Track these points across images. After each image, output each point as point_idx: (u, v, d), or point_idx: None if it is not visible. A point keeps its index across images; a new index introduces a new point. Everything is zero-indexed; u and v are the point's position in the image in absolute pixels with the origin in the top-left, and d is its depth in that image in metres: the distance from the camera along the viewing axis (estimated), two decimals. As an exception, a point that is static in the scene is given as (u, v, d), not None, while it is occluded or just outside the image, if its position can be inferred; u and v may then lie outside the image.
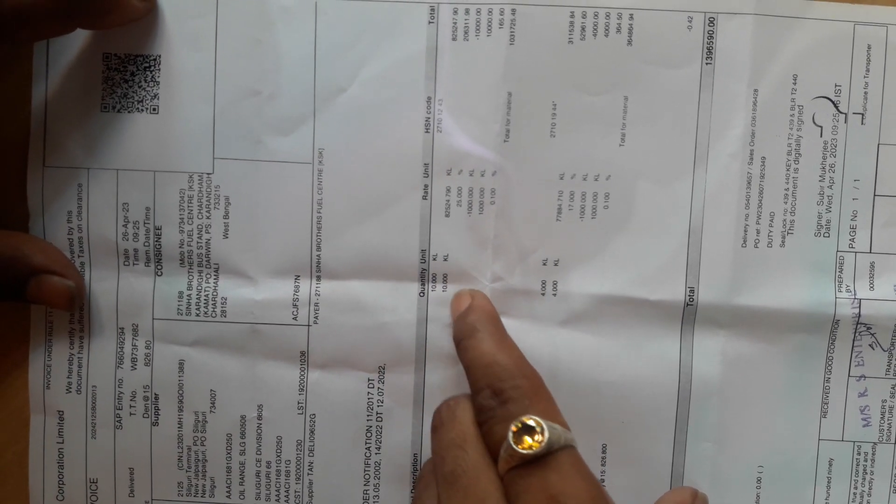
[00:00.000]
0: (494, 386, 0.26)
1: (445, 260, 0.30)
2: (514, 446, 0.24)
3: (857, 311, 0.29)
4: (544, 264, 0.30)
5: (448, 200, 0.30)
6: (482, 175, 0.30)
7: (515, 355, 0.27)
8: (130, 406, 0.31)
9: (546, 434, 0.24)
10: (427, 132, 0.30)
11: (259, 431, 0.31)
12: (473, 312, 0.28)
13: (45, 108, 0.30)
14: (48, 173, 0.30)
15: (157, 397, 0.31)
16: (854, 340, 0.30)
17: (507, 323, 0.30)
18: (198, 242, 0.30)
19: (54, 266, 0.29)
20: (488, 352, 0.27)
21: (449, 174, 0.30)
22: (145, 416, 0.31)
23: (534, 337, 0.30)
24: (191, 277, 0.31)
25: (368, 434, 0.31)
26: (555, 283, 0.30)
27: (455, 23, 0.29)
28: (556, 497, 0.23)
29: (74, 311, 0.30)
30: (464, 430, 0.25)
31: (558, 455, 0.24)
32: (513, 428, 0.24)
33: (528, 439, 0.24)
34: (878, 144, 0.29)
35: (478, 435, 0.25)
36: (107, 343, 0.31)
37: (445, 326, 0.30)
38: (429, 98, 0.30)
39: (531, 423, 0.24)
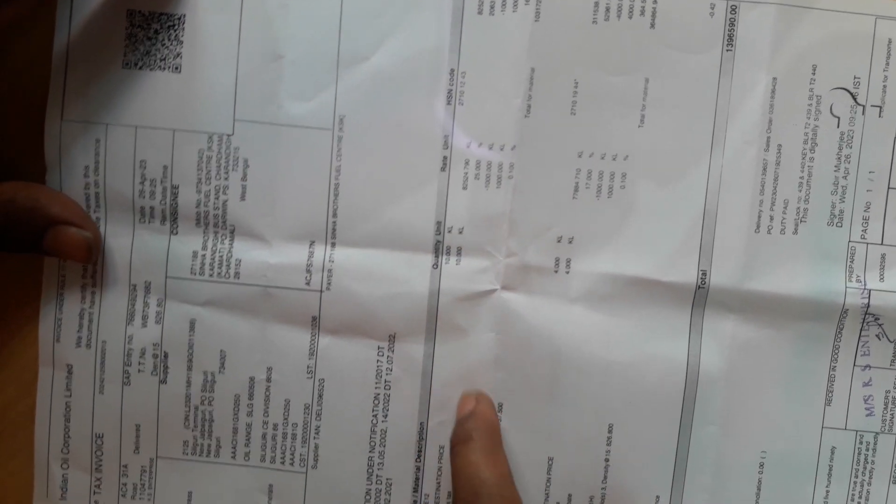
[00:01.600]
0: (470, 502, 0.27)
1: (461, 233, 0.30)
2: None
3: (866, 301, 0.30)
4: (559, 242, 0.30)
5: (466, 173, 0.30)
6: (501, 149, 0.30)
7: (500, 472, 0.28)
8: (139, 363, 0.31)
9: None
10: (449, 104, 0.30)
11: (267, 394, 0.31)
12: (474, 420, 0.29)
13: (66, 62, 0.30)
14: (66, 127, 0.30)
15: (166, 355, 0.31)
16: (861, 330, 0.30)
17: (519, 299, 0.30)
18: (214, 203, 0.30)
19: (72, 217, 0.29)
20: (475, 463, 0.28)
21: (468, 147, 0.30)
22: (154, 373, 0.31)
23: (544, 314, 0.30)
24: (206, 238, 0.31)
25: (376, 402, 0.31)
26: (568, 261, 0.30)
27: (481, -4, 0.30)
28: None
29: (90, 264, 0.30)
30: None
31: None
32: None
33: None
34: (895, 138, 0.30)
35: None
36: (119, 299, 0.31)
37: (457, 299, 0.30)
38: (452, 70, 0.30)
39: None
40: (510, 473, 0.28)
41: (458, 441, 0.29)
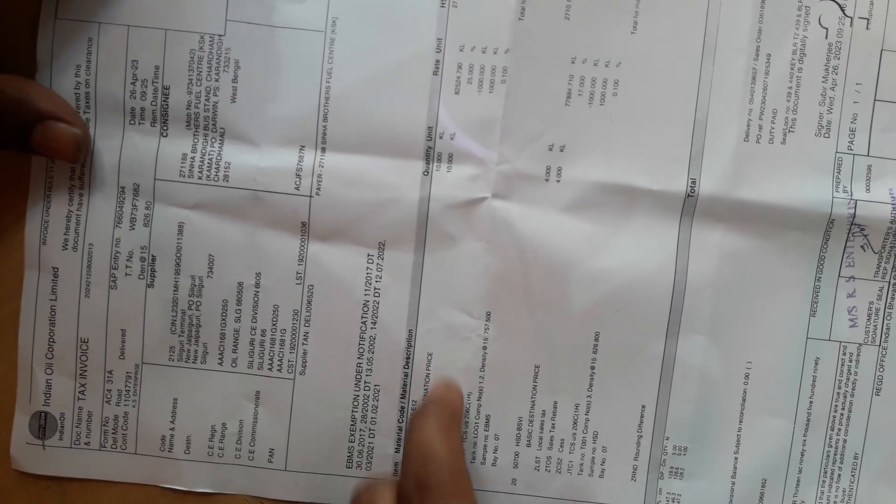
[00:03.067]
0: (419, 476, 0.26)
1: (452, 139, 0.30)
2: None
3: (852, 211, 0.30)
4: (550, 149, 0.30)
5: (458, 77, 0.30)
6: (495, 53, 0.30)
7: (453, 448, 0.27)
8: (126, 266, 0.31)
9: None
10: (442, 7, 0.30)
11: (256, 299, 0.31)
12: (440, 403, 0.29)
13: (60, -41, 0.30)
14: (59, 25, 0.30)
15: (153, 259, 0.31)
16: (847, 241, 0.30)
17: (510, 207, 0.30)
18: (205, 105, 0.30)
19: (61, 113, 0.29)
20: (430, 436, 0.27)
21: (461, 50, 0.30)
22: (141, 277, 0.31)
23: (535, 223, 0.30)
24: (196, 140, 0.30)
25: (365, 308, 0.31)
26: (559, 170, 0.30)
27: None
28: None
29: (79, 163, 0.30)
30: None
31: None
32: None
33: None
34: (882, 50, 0.30)
35: None
36: (106, 201, 0.31)
37: (447, 207, 0.30)
38: (446, -28, 0.30)
39: None
40: (463, 454, 0.28)
41: (418, 415, 0.28)
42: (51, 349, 0.31)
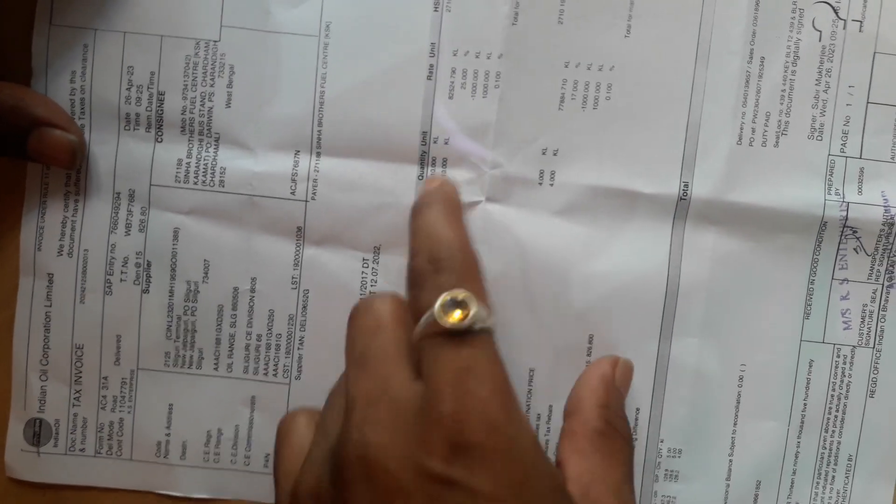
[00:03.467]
0: (432, 253, 0.25)
1: (446, 143, 0.30)
2: (438, 317, 0.23)
3: (844, 213, 0.30)
4: (543, 154, 0.31)
5: (452, 82, 0.30)
6: (488, 58, 0.30)
7: (461, 234, 0.26)
8: (122, 272, 0.31)
9: (472, 311, 0.23)
10: (436, 11, 0.30)
11: (251, 304, 0.31)
12: (437, 193, 0.28)
13: (55, -34, 0.30)
14: (54, 31, 0.30)
15: (149, 264, 0.31)
16: (839, 243, 0.30)
17: (504, 211, 0.31)
18: (200, 110, 0.30)
19: (57, 119, 0.29)
20: (436, 222, 0.26)
21: (455, 55, 0.30)
22: (136, 282, 0.31)
23: (528, 226, 0.31)
24: (191, 145, 0.31)
25: (360, 312, 0.31)
26: (552, 173, 0.31)
27: None
28: (465, 369, 0.22)
29: (74, 169, 0.30)
30: (378, 319, 0.25)
31: (476, 335, 0.23)
32: (442, 299, 0.23)
33: (453, 313, 0.23)
34: (875, 53, 0.30)
35: (392, 325, 0.25)
36: (102, 207, 0.31)
37: (442, 211, 0.30)
38: (439, -23, 0.30)
39: (460, 297, 0.23)
40: (469, 238, 0.26)
41: (420, 205, 0.27)
42: (45, 355, 0.31)
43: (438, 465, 0.21)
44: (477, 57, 0.30)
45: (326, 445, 0.24)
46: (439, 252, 0.25)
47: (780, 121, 0.30)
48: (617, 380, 0.29)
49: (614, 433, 0.27)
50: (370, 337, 0.25)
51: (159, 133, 0.31)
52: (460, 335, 0.23)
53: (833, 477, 0.31)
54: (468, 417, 0.22)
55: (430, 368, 0.23)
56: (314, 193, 0.31)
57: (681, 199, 0.30)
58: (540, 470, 0.22)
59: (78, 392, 0.31)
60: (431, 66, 0.30)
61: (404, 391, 0.23)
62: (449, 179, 0.30)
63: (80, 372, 0.31)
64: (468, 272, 0.25)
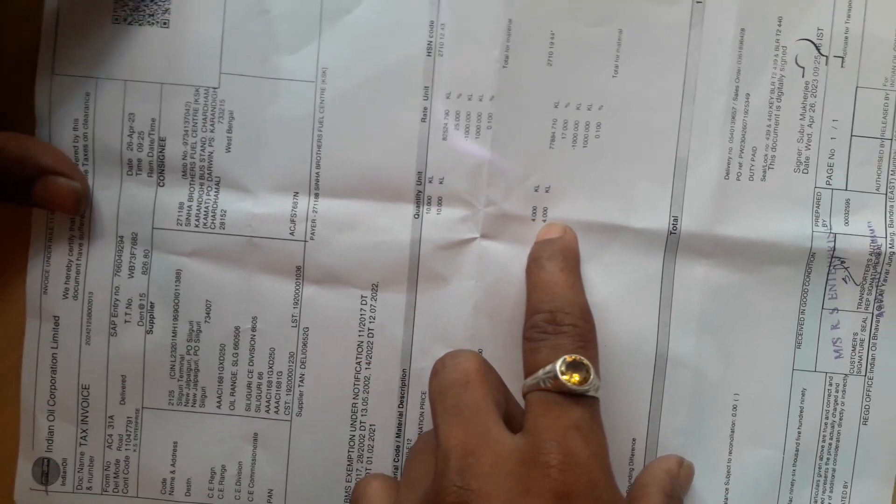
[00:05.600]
0: (557, 315, 0.27)
1: (441, 183, 0.31)
2: (560, 375, 0.25)
3: (832, 244, 0.31)
4: (536, 191, 0.31)
5: (446, 124, 0.31)
6: (480, 100, 0.31)
7: (583, 298, 0.28)
8: (126, 313, 0.32)
9: (591, 378, 0.25)
10: (429, 56, 0.31)
11: (252, 343, 0.32)
12: (562, 242, 0.29)
13: (57, 17, 0.31)
14: (56, 81, 0.31)
15: (152, 306, 0.32)
16: (828, 274, 0.31)
17: (498, 247, 0.31)
18: (200, 155, 0.31)
19: (62, 167, 0.30)
20: (561, 281, 0.28)
21: (448, 98, 0.31)
22: (140, 323, 0.32)
23: (523, 261, 0.31)
24: (192, 189, 0.31)
25: (360, 349, 0.31)
26: (545, 209, 0.31)
27: (459, -47, 0.31)
28: (569, 429, 0.24)
29: (79, 215, 0.31)
30: (466, 374, 0.26)
31: (587, 399, 0.25)
32: (565, 359, 0.25)
33: (575, 375, 0.25)
34: (857, 87, 0.31)
35: (480, 381, 0.26)
36: (106, 250, 0.32)
37: (438, 248, 0.31)
38: (431, 22, 0.31)
39: (583, 362, 0.25)
40: (589, 306, 0.28)
41: (544, 257, 0.28)
42: (52, 396, 0.32)
43: None
44: (469, 99, 0.31)
45: (415, 499, 0.25)
46: (564, 316, 0.26)
47: (766, 155, 0.31)
48: (680, 477, 0.30)
49: None
50: (461, 390, 0.25)
51: (161, 177, 0.31)
52: (572, 396, 0.25)
53: (827, 505, 0.32)
54: (573, 470, 0.23)
55: (537, 421, 0.24)
56: (313, 233, 0.31)
57: (671, 233, 0.31)
58: None
59: (84, 431, 0.32)
60: (425, 108, 0.31)
61: (505, 442, 0.24)
62: (569, 227, 0.31)
63: (87, 412, 0.32)
64: (589, 342, 0.26)
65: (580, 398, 0.25)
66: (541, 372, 0.25)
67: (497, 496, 0.23)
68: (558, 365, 0.25)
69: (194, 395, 0.32)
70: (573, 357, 0.25)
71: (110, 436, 0.32)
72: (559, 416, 0.24)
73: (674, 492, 0.29)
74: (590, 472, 0.23)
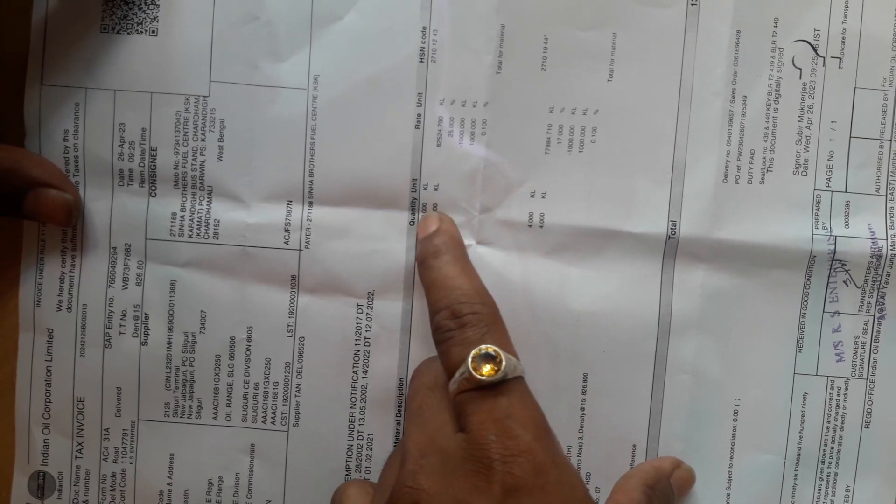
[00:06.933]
0: (454, 308, 0.27)
1: (436, 189, 0.31)
2: (473, 372, 0.25)
3: (832, 247, 0.30)
4: (532, 196, 0.31)
5: (440, 130, 0.31)
6: (474, 106, 0.31)
7: (476, 282, 0.28)
8: (120, 325, 0.31)
9: (503, 364, 0.25)
10: (421, 62, 0.30)
11: (248, 353, 0.31)
12: (440, 235, 0.29)
13: (45, 27, 0.30)
14: (45, 92, 0.31)
15: (147, 317, 0.31)
16: (829, 277, 0.31)
17: (494, 254, 0.31)
18: (192, 164, 0.31)
19: (52, 179, 0.29)
20: (451, 274, 0.28)
21: (442, 104, 0.31)
22: (135, 335, 0.31)
23: (519, 267, 0.31)
24: (184, 199, 0.31)
25: (356, 358, 0.31)
26: (541, 215, 0.31)
27: (451, -43, 0.30)
28: (503, 419, 0.25)
29: (71, 227, 0.31)
30: (436, 377, 0.27)
31: (509, 383, 0.25)
32: (472, 354, 0.25)
33: (485, 367, 0.25)
34: (855, 88, 0.31)
35: (446, 384, 0.26)
36: (99, 262, 0.31)
37: (433, 255, 0.31)
38: (423, 28, 0.30)
39: (490, 351, 0.25)
40: (483, 283, 0.28)
41: (428, 255, 0.29)
42: (47, 409, 0.32)
43: None
44: (463, 105, 0.31)
45: (383, 500, 0.26)
46: (461, 307, 0.27)
47: (764, 158, 0.31)
48: (674, 476, 0.30)
49: None
50: (428, 393, 0.27)
51: (153, 188, 0.31)
52: (495, 385, 0.25)
53: (829, 512, 0.31)
54: (516, 460, 0.24)
55: (470, 420, 0.25)
56: (307, 242, 0.31)
57: (669, 237, 0.31)
58: None
59: (80, 444, 0.32)
60: (419, 115, 0.31)
61: (450, 442, 0.25)
62: (444, 215, 0.31)
63: (82, 425, 0.32)
64: (492, 323, 0.27)
65: (502, 385, 0.25)
66: (457, 374, 0.26)
67: (447, 495, 0.24)
68: (469, 363, 0.25)
69: (190, 406, 0.32)
70: (479, 350, 0.25)
71: (106, 448, 0.32)
72: (489, 409, 0.25)
73: (657, 485, 0.29)
74: (534, 457, 0.24)
